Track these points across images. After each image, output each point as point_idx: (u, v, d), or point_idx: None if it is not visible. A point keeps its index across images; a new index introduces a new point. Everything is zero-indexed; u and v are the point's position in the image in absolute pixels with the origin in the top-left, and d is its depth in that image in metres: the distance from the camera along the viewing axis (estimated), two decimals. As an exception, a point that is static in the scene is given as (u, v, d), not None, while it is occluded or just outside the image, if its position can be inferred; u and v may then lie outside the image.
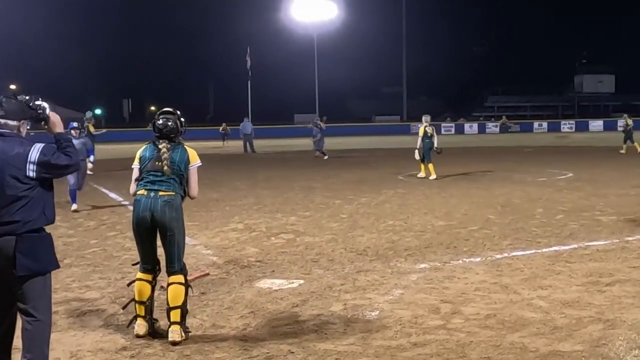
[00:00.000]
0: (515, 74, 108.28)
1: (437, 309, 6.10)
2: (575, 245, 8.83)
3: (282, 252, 8.87)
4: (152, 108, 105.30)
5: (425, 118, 19.11)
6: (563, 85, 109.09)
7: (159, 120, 5.64)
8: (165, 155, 5.47)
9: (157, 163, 5.48)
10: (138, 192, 5.52)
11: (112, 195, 16.17)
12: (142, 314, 5.48)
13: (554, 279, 7.10)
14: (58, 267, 4.48)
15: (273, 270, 7.81)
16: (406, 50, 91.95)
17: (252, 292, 6.88)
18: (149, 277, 5.55)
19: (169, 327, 5.34)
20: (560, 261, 7.91)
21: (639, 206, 12.23)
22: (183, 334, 5.33)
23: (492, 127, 68.79)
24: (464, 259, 8.19)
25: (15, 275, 4.18)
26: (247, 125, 36.51)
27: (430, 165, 18.52)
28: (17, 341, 5.04)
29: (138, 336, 5.46)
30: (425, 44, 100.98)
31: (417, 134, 19.53)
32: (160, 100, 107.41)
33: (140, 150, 5.67)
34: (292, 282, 7.20)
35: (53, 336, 5.61)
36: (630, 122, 28.47)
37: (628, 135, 28.12)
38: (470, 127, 68.72)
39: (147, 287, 5.52)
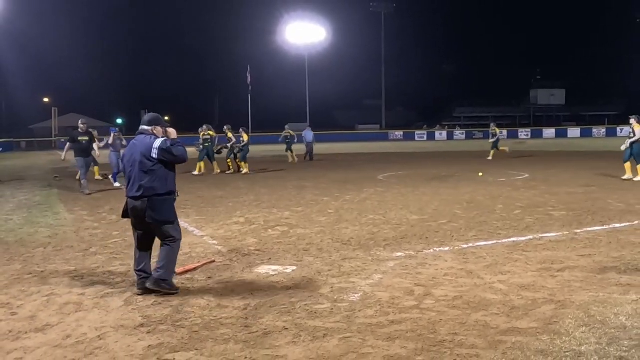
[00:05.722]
0: (479, 88, 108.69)
1: (411, 292, 6.10)
2: (531, 237, 8.86)
3: (277, 243, 8.86)
4: (166, 118, 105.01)
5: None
6: (520, 98, 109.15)
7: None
8: None
9: None
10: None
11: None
12: None
13: (513, 265, 7.13)
14: (175, 219, 6.11)
15: (270, 258, 7.80)
16: (385, 67, 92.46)
17: (252, 276, 6.88)
18: None
19: None
20: (518, 250, 7.94)
21: (586, 203, 12.29)
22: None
23: (459, 134, 68.77)
24: (435, 249, 8.20)
25: (146, 221, 5.95)
26: (309, 134, 31.42)
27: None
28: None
29: None
30: (402, 62, 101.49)
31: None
32: (173, 110, 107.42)
33: None
34: (286, 268, 7.19)
35: (80, 314, 5.64)
36: (498, 131, 29.20)
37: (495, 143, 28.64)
38: (440, 135, 68.43)
39: None
